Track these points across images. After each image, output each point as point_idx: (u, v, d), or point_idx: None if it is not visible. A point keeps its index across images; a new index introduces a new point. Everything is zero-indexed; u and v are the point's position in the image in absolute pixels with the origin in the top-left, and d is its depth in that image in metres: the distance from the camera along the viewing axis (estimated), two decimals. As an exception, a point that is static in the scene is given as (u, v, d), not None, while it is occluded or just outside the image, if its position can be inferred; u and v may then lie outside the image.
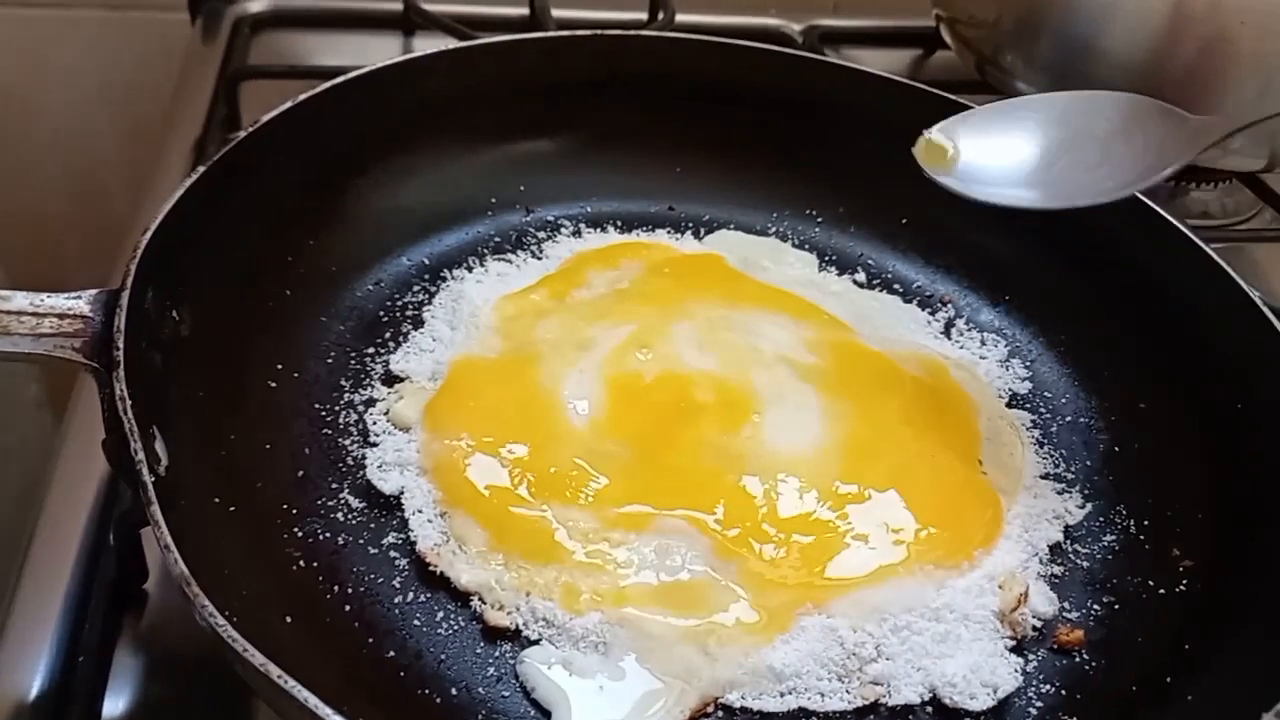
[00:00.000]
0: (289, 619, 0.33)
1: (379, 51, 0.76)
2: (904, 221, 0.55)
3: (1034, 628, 0.39)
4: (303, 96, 0.45)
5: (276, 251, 0.45)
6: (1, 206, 0.89)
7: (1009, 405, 0.48)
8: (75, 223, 0.94)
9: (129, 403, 0.31)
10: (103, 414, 0.32)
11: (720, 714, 0.36)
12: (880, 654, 0.37)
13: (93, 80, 0.87)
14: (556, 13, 0.71)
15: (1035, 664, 0.38)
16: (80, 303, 0.34)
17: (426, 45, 0.74)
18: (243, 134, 0.42)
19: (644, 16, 0.74)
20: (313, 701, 0.25)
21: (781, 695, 0.36)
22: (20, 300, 0.33)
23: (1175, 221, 0.48)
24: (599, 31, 0.54)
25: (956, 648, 0.38)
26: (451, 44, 0.54)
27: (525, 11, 0.74)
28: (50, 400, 0.98)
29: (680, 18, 0.72)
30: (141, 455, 0.30)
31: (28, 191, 0.91)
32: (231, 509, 0.36)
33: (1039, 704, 0.37)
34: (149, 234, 0.36)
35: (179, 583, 0.27)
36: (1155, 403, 0.46)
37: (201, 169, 0.40)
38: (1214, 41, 0.58)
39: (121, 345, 0.32)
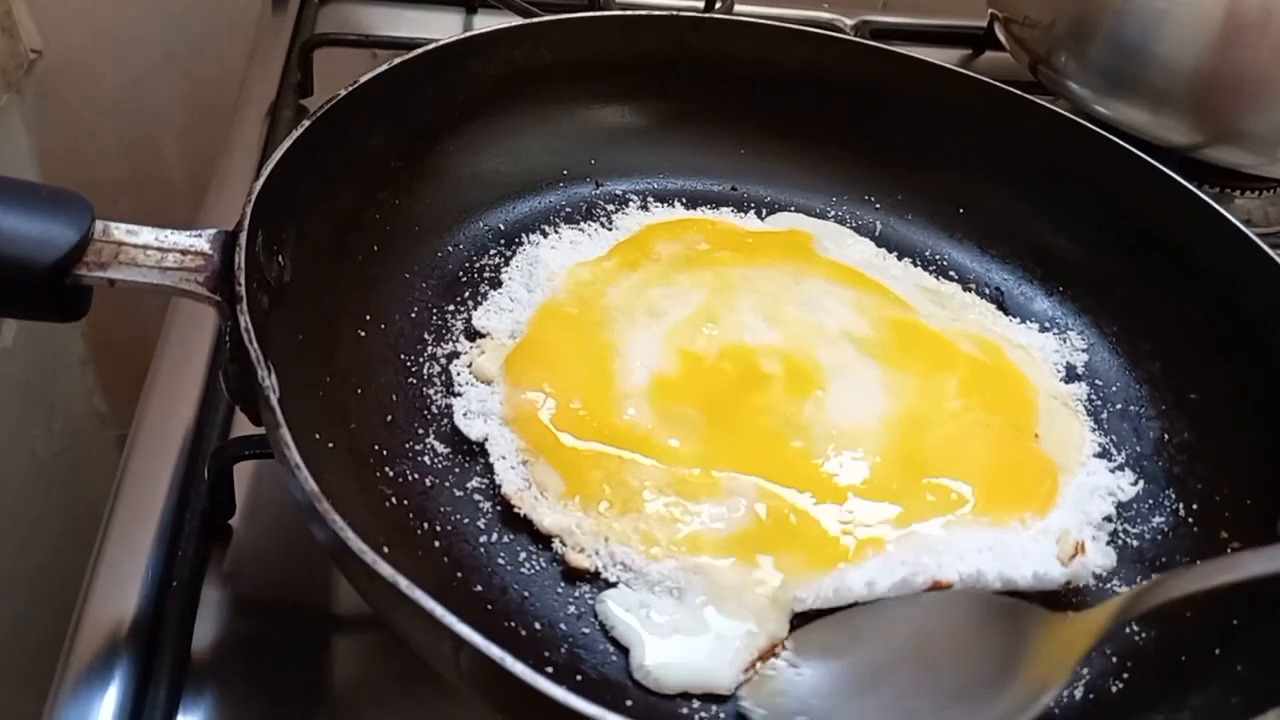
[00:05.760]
0: (386, 549, 0.35)
1: (441, 26, 0.78)
2: (960, 210, 0.57)
3: (1095, 575, 0.41)
4: (398, 60, 0.46)
5: (365, 208, 0.46)
6: (58, 170, 0.91)
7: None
8: (128, 189, 0.96)
9: (253, 333, 0.32)
10: (226, 346, 0.34)
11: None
12: (941, 569, 0.39)
13: (157, 50, 0.89)
14: (615, -4, 0.73)
15: (1087, 631, 0.40)
16: (201, 240, 0.35)
17: (488, 22, 0.77)
18: (343, 91, 0.43)
19: (700, 4, 0.76)
20: (439, 611, 0.27)
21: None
22: (146, 235, 0.35)
23: (1233, 219, 0.49)
24: (674, 12, 0.56)
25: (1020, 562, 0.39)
26: (514, 20, 0.56)
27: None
28: (94, 358, 1.00)
29: (736, 7, 0.74)
30: (269, 382, 0.31)
31: (84, 157, 0.93)
32: (330, 445, 0.38)
33: (1089, 670, 0.39)
34: (261, 180, 0.38)
35: (308, 500, 0.29)
36: (1206, 393, 0.48)
37: (306, 122, 0.41)
38: (1267, 49, 0.59)
39: (243, 281, 0.34)
